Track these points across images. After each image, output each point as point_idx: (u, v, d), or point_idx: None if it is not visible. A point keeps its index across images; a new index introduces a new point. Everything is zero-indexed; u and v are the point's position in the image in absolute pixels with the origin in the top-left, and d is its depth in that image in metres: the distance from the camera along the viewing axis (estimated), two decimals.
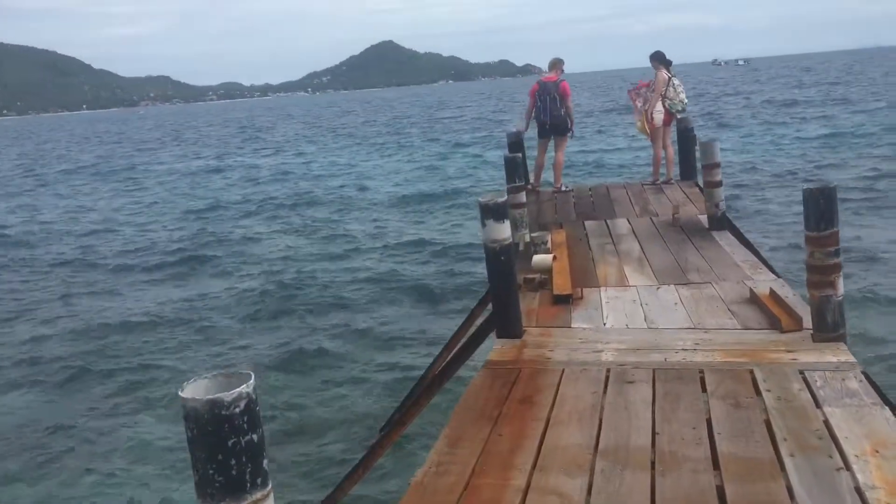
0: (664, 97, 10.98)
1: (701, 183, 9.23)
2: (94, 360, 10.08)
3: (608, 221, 9.21)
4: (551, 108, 10.91)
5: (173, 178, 34.05)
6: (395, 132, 52.72)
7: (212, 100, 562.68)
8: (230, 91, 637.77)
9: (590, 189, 11.80)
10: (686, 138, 11.51)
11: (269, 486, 2.21)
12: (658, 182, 11.39)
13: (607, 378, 4.55)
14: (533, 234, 7.77)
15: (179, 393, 2.15)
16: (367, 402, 8.14)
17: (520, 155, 8.96)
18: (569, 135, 11.24)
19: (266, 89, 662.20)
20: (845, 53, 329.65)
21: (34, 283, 14.87)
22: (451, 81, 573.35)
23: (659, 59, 11.14)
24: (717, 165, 8.27)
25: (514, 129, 12.02)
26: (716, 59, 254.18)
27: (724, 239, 7.87)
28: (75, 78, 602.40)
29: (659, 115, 11.07)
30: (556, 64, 11.18)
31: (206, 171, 35.63)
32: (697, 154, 9.80)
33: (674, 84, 11.03)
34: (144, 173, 36.82)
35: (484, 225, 5.39)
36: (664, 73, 11.01)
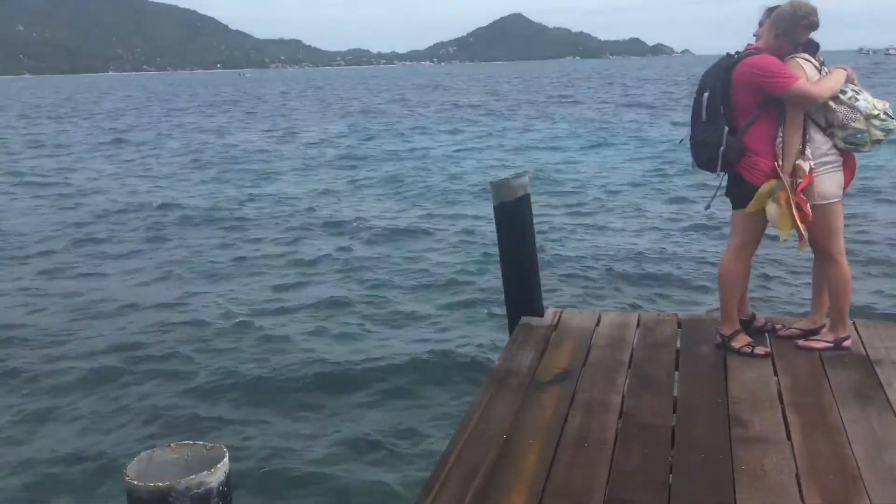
0: (826, 124, 4.00)
1: None
2: None
3: None
4: (695, 122, 4.20)
5: None
6: None
7: (339, 65, 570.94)
8: (357, 58, 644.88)
9: (679, 324, 4.70)
10: None
11: None
12: (843, 341, 4.18)
13: None
14: None
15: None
16: None
17: None
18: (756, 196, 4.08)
19: (392, 57, 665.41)
20: None
21: None
22: (577, 58, 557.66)
23: (790, 25, 4.04)
24: None
25: (518, 176, 4.95)
26: (862, 48, 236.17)
27: None
28: (212, 38, 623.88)
29: (833, 177, 4.02)
30: (769, 20, 4.14)
31: None
32: None
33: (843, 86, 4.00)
34: None
35: None
36: (802, 62, 4.04)
